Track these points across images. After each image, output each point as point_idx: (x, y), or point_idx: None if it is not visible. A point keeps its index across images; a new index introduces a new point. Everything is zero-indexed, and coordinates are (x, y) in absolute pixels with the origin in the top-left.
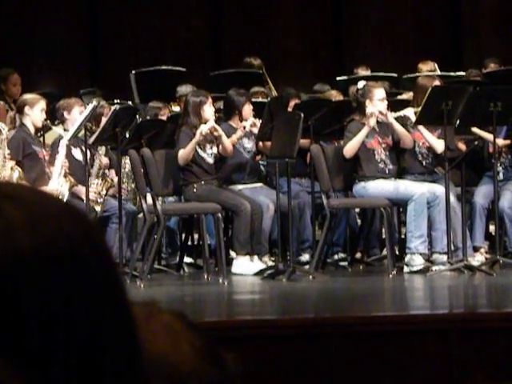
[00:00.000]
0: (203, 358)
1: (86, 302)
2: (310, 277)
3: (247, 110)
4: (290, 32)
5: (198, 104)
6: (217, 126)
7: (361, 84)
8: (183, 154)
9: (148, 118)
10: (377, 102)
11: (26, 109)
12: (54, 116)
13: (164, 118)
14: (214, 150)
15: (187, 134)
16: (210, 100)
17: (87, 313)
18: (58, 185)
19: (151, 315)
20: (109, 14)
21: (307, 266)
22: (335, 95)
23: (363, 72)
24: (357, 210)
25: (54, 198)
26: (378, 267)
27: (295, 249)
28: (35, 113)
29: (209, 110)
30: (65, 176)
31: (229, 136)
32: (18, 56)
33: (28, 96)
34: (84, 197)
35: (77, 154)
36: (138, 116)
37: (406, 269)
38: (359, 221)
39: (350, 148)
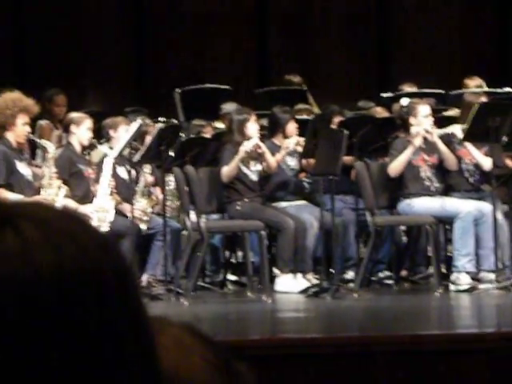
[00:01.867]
0: (215, 370)
1: (106, 321)
2: (355, 295)
3: (291, 127)
4: (335, 48)
5: (242, 121)
6: (260, 143)
7: (405, 101)
8: (227, 170)
9: (191, 135)
10: (421, 119)
11: (73, 127)
12: (100, 134)
13: (207, 135)
14: (258, 167)
15: (231, 151)
16: (253, 117)
17: (107, 332)
18: (103, 203)
19: (161, 329)
20: (154, 33)
21: (352, 284)
22: (380, 112)
23: (409, 89)
24: (402, 227)
25: (75, 217)
26: (423, 285)
27: (339, 266)
28: (81, 131)
29: (252, 128)
30: (110, 194)
31: (273, 153)
32: (66, 75)
33: (74, 115)
34: (129, 214)
35: (122, 172)
36: (182, 134)
37: (452, 287)
38: (404, 238)
39: (395, 167)
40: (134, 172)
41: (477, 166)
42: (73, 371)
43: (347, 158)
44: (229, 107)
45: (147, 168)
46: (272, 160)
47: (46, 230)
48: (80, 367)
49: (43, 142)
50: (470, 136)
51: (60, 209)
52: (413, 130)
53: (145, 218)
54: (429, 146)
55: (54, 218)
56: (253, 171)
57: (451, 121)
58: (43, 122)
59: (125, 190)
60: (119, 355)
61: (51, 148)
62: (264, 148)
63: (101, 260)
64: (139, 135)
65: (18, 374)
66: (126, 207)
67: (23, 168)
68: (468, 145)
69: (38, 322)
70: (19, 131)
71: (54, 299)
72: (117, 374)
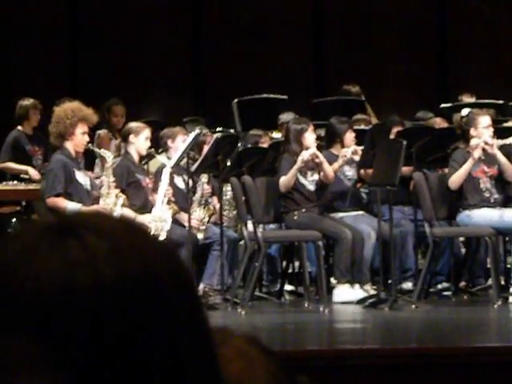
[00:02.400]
0: (278, 382)
1: (167, 334)
2: (413, 306)
3: (349, 137)
4: (393, 58)
5: (300, 131)
6: (318, 153)
7: (465, 111)
8: (284, 180)
9: (249, 145)
10: (482, 130)
11: (131, 137)
12: (158, 144)
13: (264, 145)
14: (315, 177)
15: (288, 161)
16: (311, 127)
17: (168, 345)
18: (161, 212)
19: (224, 340)
20: (212, 43)
21: (410, 296)
22: (439, 123)
23: (468, 99)
24: (461, 238)
25: (140, 229)
26: (482, 297)
27: (397, 277)
28: (140, 141)
29: (310, 138)
30: (168, 203)
31: (330, 163)
32: (124, 85)
33: (133, 124)
34: (186, 224)
35: (179, 182)
36: (239, 144)
37: (511, 299)
38: (463, 250)
39: (456, 180)
40: (191, 182)
41: None
42: (129, 377)
43: (406, 169)
44: (286, 117)
45: (204, 177)
46: (329, 170)
47: (109, 241)
48: (142, 379)
49: (102, 151)
50: None
51: (122, 219)
52: (472, 141)
53: (202, 227)
54: (488, 158)
55: (117, 228)
56: (310, 181)
57: (511, 132)
58: (102, 132)
59: (182, 200)
60: (181, 366)
61: (109, 157)
62: (321, 158)
63: (163, 270)
64: (196, 145)
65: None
66: (183, 217)
67: (81, 177)
68: None
69: (100, 332)
70: (78, 140)
71: (117, 309)
72: (177, 380)
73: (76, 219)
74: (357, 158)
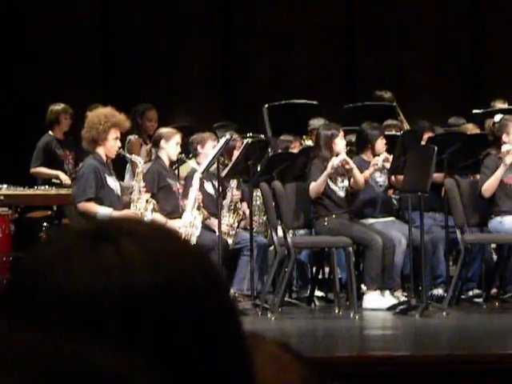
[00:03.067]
0: None
1: (202, 340)
2: (444, 313)
3: (380, 144)
4: (424, 64)
5: (330, 137)
6: (348, 159)
7: (497, 117)
8: (314, 186)
9: (279, 151)
10: None
11: (162, 142)
12: (188, 149)
13: (295, 150)
14: (346, 183)
15: (318, 167)
16: (341, 133)
17: (203, 351)
18: (191, 217)
19: (256, 346)
20: (242, 49)
21: (440, 302)
22: (471, 129)
23: (500, 105)
24: (493, 245)
25: (173, 234)
26: None
27: (428, 284)
28: (171, 146)
29: (340, 143)
30: (198, 208)
31: (361, 170)
32: (155, 91)
33: (164, 130)
34: (216, 229)
35: (208, 187)
36: (269, 149)
37: None
38: (495, 256)
39: (488, 188)
40: (220, 187)
41: None
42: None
43: (437, 175)
44: (316, 123)
45: (234, 183)
46: (360, 176)
47: (144, 247)
48: (178, 379)
49: (133, 156)
50: None
51: (156, 225)
52: (504, 147)
53: (231, 232)
54: None
55: (152, 234)
56: (340, 187)
57: None
58: (132, 137)
59: (212, 205)
60: (217, 371)
61: (140, 163)
62: (352, 164)
63: (197, 276)
64: (227, 150)
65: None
66: (213, 222)
67: (112, 182)
68: None
69: (134, 336)
70: (110, 146)
71: (151, 315)
72: None
73: (112, 225)
74: (388, 165)
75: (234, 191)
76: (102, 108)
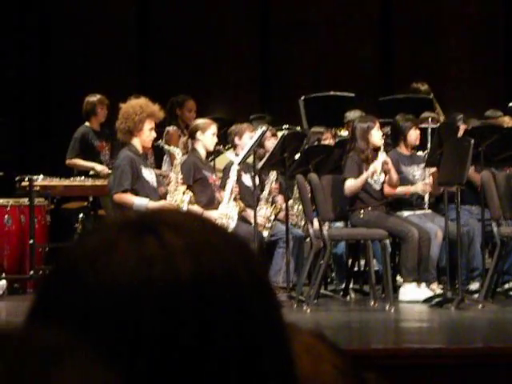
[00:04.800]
0: (346, 377)
1: (245, 329)
2: (480, 306)
3: (413, 135)
4: (461, 57)
5: (366, 129)
6: (388, 160)
7: None
8: (352, 186)
9: (314, 142)
10: None
11: (198, 134)
12: (225, 141)
13: (326, 142)
14: (382, 177)
15: (354, 160)
16: (377, 125)
17: (246, 340)
18: (227, 209)
19: (292, 336)
20: (279, 42)
21: (476, 295)
22: (508, 121)
23: None
24: None
25: (215, 225)
26: None
27: (464, 277)
28: (207, 137)
29: (376, 135)
30: (235, 200)
31: (395, 163)
32: (194, 83)
33: (200, 121)
34: (253, 221)
35: (246, 179)
36: (305, 141)
37: None
38: None
39: None
40: (257, 179)
41: None
42: (212, 375)
43: (474, 175)
44: (353, 115)
45: (273, 175)
46: (395, 177)
47: (186, 238)
48: (220, 376)
49: (171, 148)
50: None
51: (197, 215)
52: None
53: (267, 225)
54: None
55: (193, 225)
56: (376, 181)
57: None
58: (171, 129)
59: (249, 197)
60: (259, 361)
61: (179, 154)
62: (390, 165)
63: (239, 266)
64: (263, 142)
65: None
66: (249, 214)
67: (148, 174)
68: None
69: (176, 328)
70: (146, 136)
71: (193, 305)
72: (257, 380)
73: (153, 216)
74: (388, 167)
75: (272, 184)
76: (136, 99)
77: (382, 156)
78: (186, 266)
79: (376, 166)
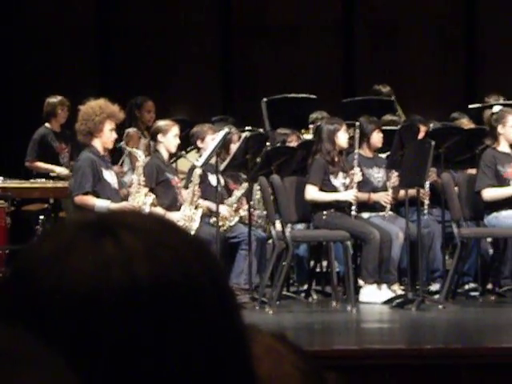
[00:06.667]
0: (306, 378)
1: (202, 332)
2: (440, 307)
3: (376, 137)
4: (422, 59)
5: (332, 131)
6: (357, 194)
7: (497, 108)
8: (315, 197)
9: (277, 144)
10: (509, 129)
11: (160, 136)
12: (187, 143)
13: (292, 144)
14: (347, 181)
15: (320, 164)
16: (344, 127)
17: (203, 343)
18: (189, 211)
19: (253, 338)
20: (241, 43)
21: (437, 296)
22: (467, 123)
23: (495, 100)
24: (489, 239)
25: (176, 227)
26: (509, 298)
27: (425, 278)
28: (169, 139)
29: (343, 137)
30: (196, 204)
31: (359, 165)
32: (155, 84)
33: (161, 123)
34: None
35: (213, 180)
36: (268, 143)
37: None
38: (491, 250)
39: (493, 197)
40: (222, 180)
41: None
42: (171, 377)
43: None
44: (318, 116)
45: (244, 188)
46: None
47: (145, 240)
48: (178, 379)
49: (133, 150)
50: None
51: (156, 217)
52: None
53: (231, 218)
54: None
55: (152, 226)
56: (341, 183)
57: None
58: (131, 130)
59: (214, 198)
60: (217, 363)
61: (141, 156)
62: (360, 197)
63: (197, 268)
64: (224, 144)
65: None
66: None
67: (109, 176)
68: None
69: (134, 329)
70: (106, 138)
71: (151, 308)
72: (216, 382)
73: (111, 217)
74: (357, 178)
75: (242, 195)
76: (95, 100)
77: (354, 191)
78: (143, 269)
79: (347, 196)
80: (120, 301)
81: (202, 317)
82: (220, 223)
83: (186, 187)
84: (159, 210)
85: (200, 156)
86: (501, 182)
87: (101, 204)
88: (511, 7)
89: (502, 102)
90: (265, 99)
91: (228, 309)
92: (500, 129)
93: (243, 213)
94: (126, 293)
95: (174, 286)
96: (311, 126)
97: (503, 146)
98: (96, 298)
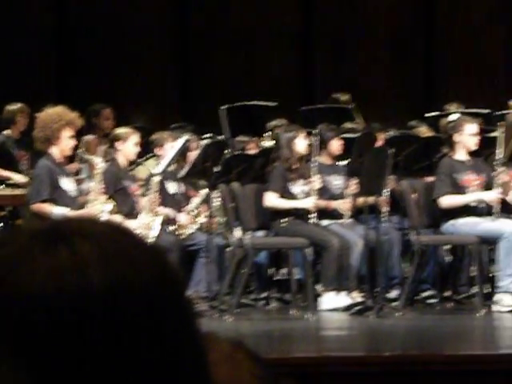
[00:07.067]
0: None
1: (157, 338)
2: (398, 314)
3: (335, 145)
4: (381, 68)
5: (291, 138)
6: (317, 203)
7: (454, 116)
8: (275, 204)
9: (236, 152)
10: (466, 137)
11: (119, 143)
12: (145, 150)
13: (251, 152)
14: (306, 188)
15: (280, 171)
16: (302, 134)
17: (158, 350)
18: (148, 219)
19: (210, 346)
20: (200, 49)
21: (395, 303)
22: (424, 132)
23: (454, 109)
24: (446, 247)
25: (132, 235)
26: (467, 305)
27: (383, 285)
28: (128, 147)
29: (301, 144)
30: (155, 211)
31: (318, 172)
32: (113, 92)
33: (121, 130)
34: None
35: (171, 187)
36: (227, 151)
37: (495, 307)
38: (448, 258)
39: (450, 204)
40: (183, 187)
41: None
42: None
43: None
44: (277, 124)
45: (204, 193)
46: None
47: (99, 248)
48: (125, 375)
49: (92, 157)
50: None
51: (112, 225)
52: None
53: (191, 226)
54: (476, 165)
55: (107, 234)
56: (300, 191)
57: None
58: (89, 137)
59: (174, 205)
60: (172, 370)
61: (99, 164)
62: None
63: (152, 275)
64: (183, 152)
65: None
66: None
67: (67, 183)
68: None
69: (89, 336)
70: (65, 145)
71: (105, 314)
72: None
73: (65, 225)
74: (317, 186)
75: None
76: (53, 107)
77: (313, 200)
78: (97, 277)
79: (307, 204)
80: (73, 308)
81: (158, 325)
82: (179, 231)
83: (145, 195)
84: (117, 218)
85: (159, 163)
86: (458, 189)
87: (58, 212)
88: (470, 17)
89: (458, 110)
90: (224, 107)
91: (185, 317)
92: (457, 137)
93: (202, 220)
94: (80, 300)
95: (128, 293)
96: (269, 134)
97: (460, 154)
98: (49, 305)
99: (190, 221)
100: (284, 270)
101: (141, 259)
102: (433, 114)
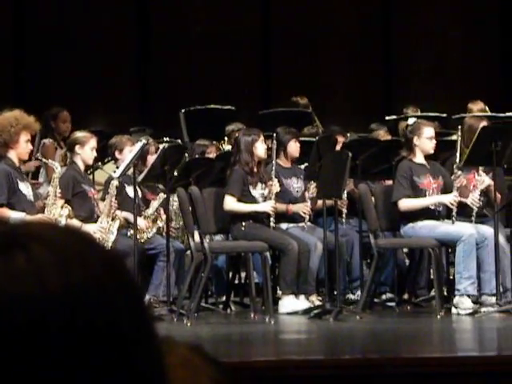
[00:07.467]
0: None
1: (114, 342)
2: (357, 317)
3: (293, 147)
4: (340, 70)
5: (250, 142)
6: (276, 206)
7: (411, 120)
8: (234, 208)
9: (195, 156)
10: (425, 141)
11: (77, 147)
12: (104, 154)
13: (211, 155)
14: (266, 191)
15: (239, 174)
16: (261, 137)
17: (115, 354)
18: (106, 224)
19: (168, 349)
20: (159, 53)
21: (355, 306)
22: (383, 135)
23: (412, 112)
24: (405, 250)
25: (89, 239)
26: (425, 308)
27: (342, 288)
28: (86, 151)
29: (261, 148)
30: (113, 215)
31: (276, 175)
32: (71, 95)
33: (79, 134)
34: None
35: (130, 191)
36: (186, 154)
37: (454, 310)
38: (407, 261)
39: (408, 207)
40: (139, 192)
41: (482, 192)
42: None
43: (350, 185)
44: (235, 128)
45: (162, 197)
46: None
47: (56, 252)
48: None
49: (49, 161)
50: (471, 160)
51: (68, 229)
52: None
53: (149, 230)
54: (435, 169)
55: (63, 238)
56: (259, 194)
57: (453, 145)
58: (47, 141)
59: (131, 209)
60: (128, 371)
61: (57, 168)
62: (278, 208)
63: (108, 279)
64: (141, 156)
65: None
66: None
67: (25, 188)
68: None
69: (46, 341)
70: (22, 149)
71: (63, 319)
72: None
73: (21, 229)
74: (276, 189)
75: (159, 205)
76: (10, 111)
77: (271, 203)
78: (54, 281)
79: (265, 208)
80: (30, 313)
81: (115, 330)
82: (138, 235)
83: (103, 199)
84: (76, 222)
85: (117, 167)
86: (417, 192)
87: (16, 216)
88: (428, 20)
89: (417, 113)
90: (183, 110)
91: (142, 321)
92: (415, 140)
93: (161, 224)
94: (36, 305)
95: (84, 298)
96: (226, 139)
97: (419, 158)
98: (4, 311)
99: (148, 225)
100: (243, 274)
101: (98, 265)
102: (393, 117)
